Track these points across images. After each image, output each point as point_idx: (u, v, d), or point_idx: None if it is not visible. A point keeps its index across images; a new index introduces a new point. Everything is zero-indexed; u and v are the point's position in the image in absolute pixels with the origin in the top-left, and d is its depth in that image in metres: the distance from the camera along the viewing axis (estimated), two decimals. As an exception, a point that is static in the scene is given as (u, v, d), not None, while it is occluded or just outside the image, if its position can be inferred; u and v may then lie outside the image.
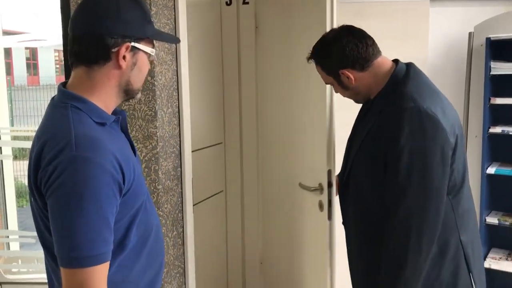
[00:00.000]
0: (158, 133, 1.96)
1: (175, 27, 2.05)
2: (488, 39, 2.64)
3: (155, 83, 1.93)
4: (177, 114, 2.10)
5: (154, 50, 1.26)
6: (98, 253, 1.05)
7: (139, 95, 1.29)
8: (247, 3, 2.76)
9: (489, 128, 2.72)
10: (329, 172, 2.19)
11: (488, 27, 2.69)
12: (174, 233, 2.10)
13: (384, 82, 1.54)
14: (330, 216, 2.22)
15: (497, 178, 2.80)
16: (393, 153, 1.42)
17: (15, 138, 4.14)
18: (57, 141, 1.07)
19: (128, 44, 1.16)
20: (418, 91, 1.47)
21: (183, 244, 2.17)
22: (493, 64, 2.67)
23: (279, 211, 2.80)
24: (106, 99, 1.20)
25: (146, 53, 1.23)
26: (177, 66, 2.07)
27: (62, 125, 1.10)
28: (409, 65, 1.56)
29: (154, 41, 1.29)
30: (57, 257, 1.07)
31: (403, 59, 1.62)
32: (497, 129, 2.70)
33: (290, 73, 2.59)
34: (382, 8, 2.72)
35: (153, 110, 1.94)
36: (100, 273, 1.06)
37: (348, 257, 1.73)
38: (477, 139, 2.77)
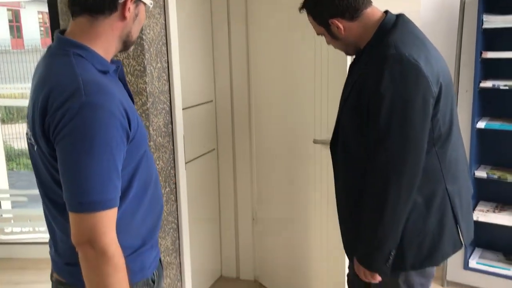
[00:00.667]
0: (147, 89, 1.93)
1: (163, -21, 1.99)
2: (481, -8, 2.60)
3: (143, 37, 1.88)
4: (167, 69, 2.07)
5: (152, 1, 1.26)
6: (108, 198, 1.06)
7: (132, 48, 1.30)
8: (236, -45, 2.68)
9: (480, 82, 2.72)
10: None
11: (481, -21, 2.65)
12: (167, 189, 2.11)
13: (373, 33, 1.53)
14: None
15: (487, 132, 2.82)
16: (374, 100, 1.42)
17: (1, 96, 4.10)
18: (64, 88, 1.06)
19: None
20: (402, 39, 1.45)
21: (176, 200, 2.18)
22: (485, 18, 2.64)
23: (273, 167, 2.81)
24: (107, 49, 1.19)
25: (145, 4, 1.24)
26: (165, 20, 2.02)
27: (68, 72, 1.09)
28: (399, 16, 1.55)
29: None
30: (66, 203, 1.07)
31: (396, 13, 1.59)
32: (488, 84, 2.69)
33: (284, 23, 2.55)
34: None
35: (142, 65, 1.91)
36: (109, 218, 1.07)
37: (338, 212, 1.74)
38: (468, 94, 2.77)
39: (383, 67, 1.40)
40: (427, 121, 1.43)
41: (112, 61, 1.26)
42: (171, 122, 2.12)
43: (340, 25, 1.54)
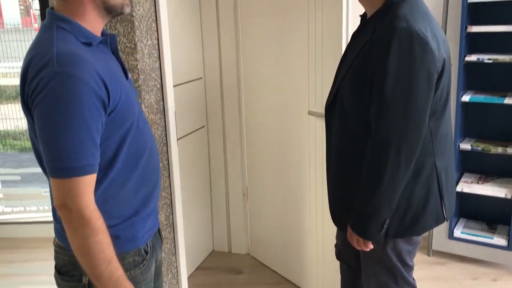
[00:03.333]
0: (139, 66, 1.94)
1: (151, -45, 1.98)
2: (466, -34, 2.63)
3: (133, 14, 1.88)
4: (157, 46, 2.07)
5: None
6: (82, 165, 1.10)
7: (127, 9, 1.26)
8: None
9: (465, 56, 2.76)
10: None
11: (467, -47, 2.67)
12: (160, 165, 2.13)
13: (381, 2, 1.55)
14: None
15: (471, 105, 2.89)
16: (381, 71, 1.44)
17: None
18: (40, 58, 1.10)
19: None
20: (411, 12, 1.48)
21: (168, 176, 2.21)
22: (470, -8, 2.67)
23: (265, 142, 2.85)
24: (89, 21, 1.20)
25: None
26: (154, -4, 2.01)
27: (46, 43, 1.12)
28: None
29: None
30: (46, 168, 1.12)
31: None
32: (473, 58, 2.75)
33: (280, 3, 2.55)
34: None
35: (133, 42, 1.91)
36: (84, 184, 1.11)
37: (327, 182, 1.78)
38: (453, 68, 2.80)
39: (392, 38, 1.42)
40: (430, 95, 1.47)
41: (105, 34, 1.27)
42: (163, 99, 2.14)
43: None
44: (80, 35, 1.17)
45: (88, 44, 1.18)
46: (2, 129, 7.18)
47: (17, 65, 6.77)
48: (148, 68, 2.01)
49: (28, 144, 6.05)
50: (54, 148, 1.08)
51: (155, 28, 2.04)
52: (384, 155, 1.47)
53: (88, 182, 1.12)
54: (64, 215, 1.12)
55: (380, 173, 1.48)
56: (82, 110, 1.08)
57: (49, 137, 1.08)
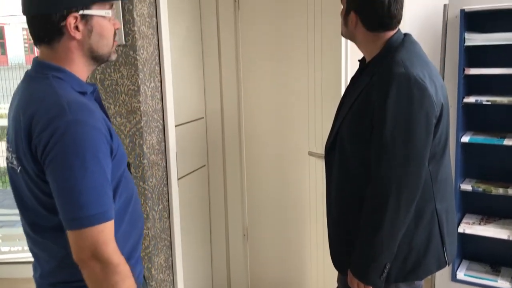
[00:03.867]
0: (141, 108, 1.96)
1: (155, 0, 2.03)
2: (462, 11, 2.69)
3: (137, 57, 1.92)
4: (160, 88, 2.11)
5: (109, 11, 1.23)
6: (105, 210, 1.09)
7: (113, 57, 1.28)
8: (225, -24, 2.74)
9: (463, 98, 2.80)
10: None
11: (462, -1, 2.74)
12: (160, 206, 2.13)
13: (379, 48, 1.58)
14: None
15: (471, 146, 2.90)
16: (380, 115, 1.46)
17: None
18: (47, 108, 1.09)
19: (75, 14, 1.16)
20: (409, 58, 1.51)
21: (169, 217, 2.20)
22: (467, 35, 2.73)
23: (265, 182, 2.84)
24: (77, 70, 1.21)
25: (103, 16, 1.21)
26: (158, 40, 2.06)
27: (49, 93, 1.12)
28: (406, 35, 1.62)
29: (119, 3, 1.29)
30: (64, 222, 1.09)
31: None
32: (471, 99, 2.77)
33: (275, 37, 2.60)
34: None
35: (136, 84, 1.94)
36: (109, 230, 1.10)
37: (328, 225, 1.77)
38: (452, 109, 2.84)
39: (391, 83, 1.45)
40: (429, 139, 1.48)
41: (88, 83, 1.28)
42: (164, 140, 2.15)
43: (354, 23, 1.58)
44: (75, 84, 1.18)
45: (83, 93, 1.20)
46: (2, 166, 7.18)
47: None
48: (150, 109, 2.03)
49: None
50: (76, 197, 1.06)
51: (158, 71, 2.08)
52: (384, 199, 1.47)
53: (111, 227, 1.11)
54: (92, 266, 1.08)
55: (380, 217, 1.47)
56: (98, 155, 1.09)
57: (70, 186, 1.06)
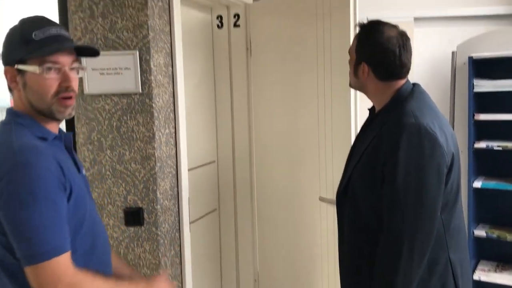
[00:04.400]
0: (156, 154, 2.00)
1: (172, 51, 2.10)
2: (470, 58, 2.74)
3: (153, 105, 1.97)
4: (174, 134, 2.15)
5: (40, 67, 1.21)
6: (58, 245, 1.14)
7: (59, 115, 1.26)
8: (238, 26, 2.83)
9: (474, 143, 2.81)
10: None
11: (470, 46, 2.80)
12: (172, 252, 2.13)
13: (389, 98, 1.61)
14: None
15: (484, 191, 2.88)
16: (391, 166, 1.47)
17: None
18: (1, 152, 1.16)
19: (10, 68, 1.23)
20: (419, 108, 1.53)
21: (180, 263, 2.20)
22: (476, 82, 2.76)
23: (276, 226, 2.83)
24: (42, 120, 1.27)
25: (40, 72, 1.22)
26: (173, 88, 2.12)
27: (5, 137, 1.20)
28: (415, 85, 1.64)
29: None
30: (22, 259, 1.13)
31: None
32: (482, 144, 2.79)
33: (289, 93, 2.66)
34: (368, 29, 2.81)
35: (151, 131, 1.98)
36: (65, 261, 1.14)
37: (340, 274, 1.76)
38: (463, 154, 2.85)
39: (401, 133, 1.46)
40: (441, 188, 1.48)
41: (61, 132, 1.34)
42: (177, 185, 2.17)
43: (366, 73, 1.61)
44: (35, 130, 1.24)
45: (44, 139, 1.25)
46: None
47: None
48: (164, 155, 2.07)
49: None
50: (28, 235, 1.11)
51: (173, 118, 2.13)
52: (396, 249, 1.46)
53: (67, 259, 1.15)
54: None
55: (393, 267, 1.46)
56: (49, 192, 1.13)
57: (21, 225, 1.11)
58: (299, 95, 2.55)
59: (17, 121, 1.24)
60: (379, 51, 1.58)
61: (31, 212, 1.11)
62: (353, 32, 2.14)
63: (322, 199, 2.41)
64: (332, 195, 2.22)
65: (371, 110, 1.74)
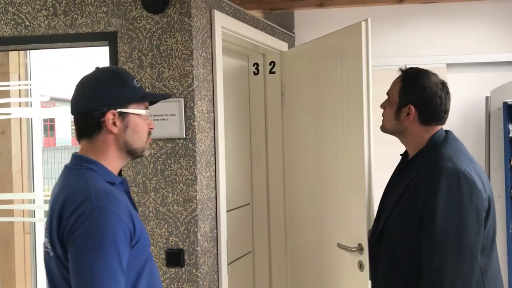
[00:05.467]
0: (197, 196, 2.06)
1: (213, 97, 2.20)
2: (505, 103, 2.77)
3: (196, 149, 2.05)
4: (214, 177, 2.21)
5: (144, 111, 1.38)
6: None
7: (147, 153, 1.42)
8: (274, 72, 2.94)
9: (511, 188, 2.79)
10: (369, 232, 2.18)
11: (504, 92, 2.83)
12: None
13: (425, 143, 1.65)
14: (371, 276, 2.21)
15: (522, 237, 2.84)
16: (430, 210, 1.49)
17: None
18: (76, 195, 1.22)
19: (113, 111, 1.31)
20: (455, 153, 1.57)
21: (218, 305, 2.21)
22: (511, 127, 2.78)
23: (309, 272, 2.82)
24: (111, 162, 1.35)
25: (138, 114, 1.36)
26: (214, 133, 2.20)
27: (80, 182, 1.26)
28: (448, 132, 1.69)
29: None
30: None
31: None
32: (519, 189, 2.77)
33: (316, 137, 2.71)
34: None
35: (194, 174, 2.06)
36: None
37: None
38: (500, 199, 2.83)
39: (440, 178, 1.50)
40: (480, 232, 1.50)
41: (119, 177, 1.40)
42: (216, 227, 2.22)
43: (411, 116, 1.64)
44: (104, 175, 1.32)
45: (112, 183, 1.32)
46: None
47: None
48: (205, 198, 2.13)
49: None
50: (90, 279, 1.15)
51: (213, 161, 2.20)
52: None
53: None
54: None
55: None
56: (117, 241, 1.18)
57: (85, 268, 1.16)
58: (325, 141, 2.59)
59: (88, 166, 1.30)
60: (427, 95, 1.63)
61: (96, 257, 1.15)
62: (365, 75, 2.15)
63: (339, 245, 2.37)
64: (350, 243, 2.24)
65: (404, 154, 1.78)
